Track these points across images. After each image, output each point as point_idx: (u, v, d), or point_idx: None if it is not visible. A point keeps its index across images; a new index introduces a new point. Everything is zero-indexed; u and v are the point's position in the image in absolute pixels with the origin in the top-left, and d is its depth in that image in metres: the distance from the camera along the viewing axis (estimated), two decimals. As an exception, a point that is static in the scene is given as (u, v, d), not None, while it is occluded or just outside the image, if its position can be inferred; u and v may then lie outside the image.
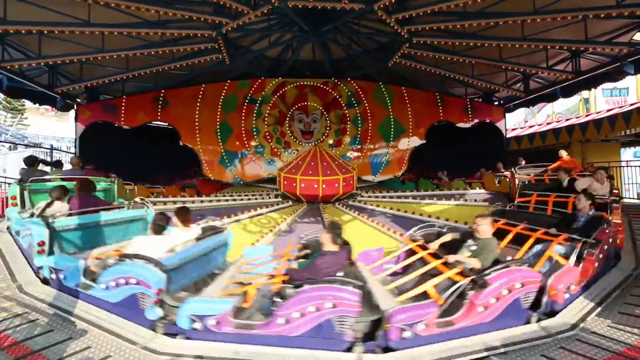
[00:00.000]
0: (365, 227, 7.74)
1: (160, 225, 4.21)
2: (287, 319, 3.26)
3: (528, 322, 3.66)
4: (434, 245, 4.47)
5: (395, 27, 8.82)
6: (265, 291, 3.84)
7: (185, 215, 4.69)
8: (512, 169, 9.98)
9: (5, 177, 11.87)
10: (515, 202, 6.76)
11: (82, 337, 3.45)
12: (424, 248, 4.57)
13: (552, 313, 3.76)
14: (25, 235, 4.89)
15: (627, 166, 11.44)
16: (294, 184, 9.37)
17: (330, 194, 9.45)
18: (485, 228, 4.11)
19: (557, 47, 9.92)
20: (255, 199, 10.10)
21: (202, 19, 8.26)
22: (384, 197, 10.47)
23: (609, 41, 9.04)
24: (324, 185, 9.28)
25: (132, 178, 9.80)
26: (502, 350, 3.31)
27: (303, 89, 13.31)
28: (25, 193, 6.02)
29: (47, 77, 10.40)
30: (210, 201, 9.37)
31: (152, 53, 9.75)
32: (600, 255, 3.91)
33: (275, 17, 9.52)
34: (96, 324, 3.60)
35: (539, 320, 3.69)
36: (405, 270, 4.54)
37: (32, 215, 4.84)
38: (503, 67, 11.44)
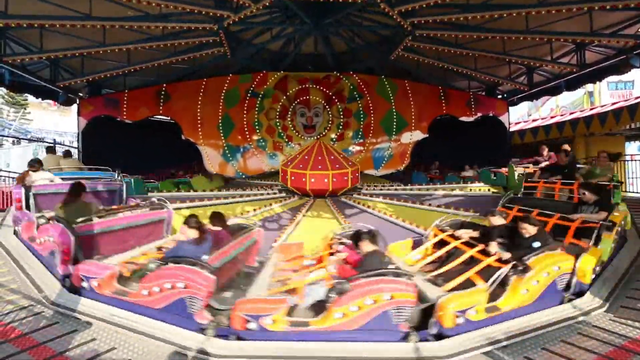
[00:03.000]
0: (376, 219, 7.70)
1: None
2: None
3: (562, 303, 3.86)
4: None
5: (398, 20, 8.73)
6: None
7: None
8: (511, 162, 10.00)
9: (9, 172, 11.93)
10: (522, 190, 6.89)
11: (87, 330, 3.49)
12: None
13: (580, 293, 3.95)
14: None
15: (632, 160, 11.35)
16: (304, 179, 9.30)
17: (319, 189, 9.41)
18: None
19: (561, 40, 9.83)
20: (261, 194, 10.02)
21: (203, 12, 8.20)
22: (388, 189, 10.44)
23: (615, 33, 8.92)
24: (313, 180, 9.23)
25: (134, 172, 9.81)
26: (549, 329, 3.52)
27: (305, 83, 13.25)
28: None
29: (49, 71, 10.41)
30: (218, 198, 9.26)
31: (154, 47, 9.72)
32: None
33: (277, 10, 9.45)
34: (141, 332, 3.46)
35: (569, 300, 3.88)
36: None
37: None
38: (507, 60, 11.33)
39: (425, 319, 3.44)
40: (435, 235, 5.04)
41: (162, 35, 9.47)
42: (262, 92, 13.09)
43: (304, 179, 9.27)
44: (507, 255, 3.90)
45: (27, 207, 5.46)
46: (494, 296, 3.58)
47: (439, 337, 3.34)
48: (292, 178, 9.47)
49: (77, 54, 9.54)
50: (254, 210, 8.22)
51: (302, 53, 12.03)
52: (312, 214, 8.32)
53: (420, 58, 11.38)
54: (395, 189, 10.52)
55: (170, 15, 8.51)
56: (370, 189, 10.41)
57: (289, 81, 13.18)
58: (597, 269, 4.15)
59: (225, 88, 12.89)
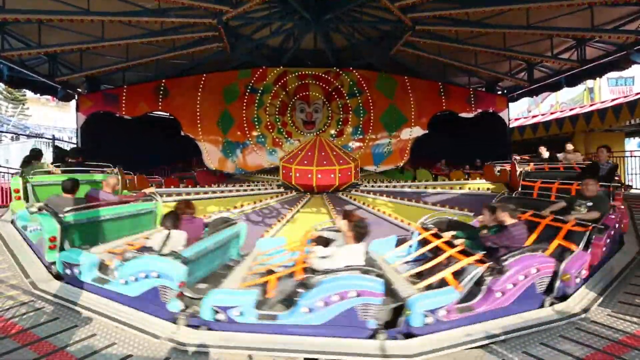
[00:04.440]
0: (371, 217, 7.70)
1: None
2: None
3: (542, 306, 3.77)
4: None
5: (398, 15, 8.70)
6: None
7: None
8: (514, 159, 9.92)
9: (8, 168, 11.92)
10: (519, 189, 6.74)
11: (87, 325, 3.51)
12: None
13: (563, 297, 3.87)
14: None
15: (631, 156, 11.36)
16: (309, 175, 9.32)
17: (325, 185, 9.40)
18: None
19: (562, 35, 9.81)
20: (259, 189, 10.08)
21: (202, 7, 8.16)
22: (386, 186, 10.47)
23: (616, 29, 8.88)
24: (319, 176, 9.23)
25: (133, 168, 9.81)
26: (522, 332, 3.43)
27: (305, 79, 13.21)
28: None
29: (47, 66, 10.37)
30: (214, 192, 9.33)
31: (153, 42, 9.69)
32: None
33: (276, 5, 9.40)
34: (116, 319, 3.55)
35: (551, 304, 3.79)
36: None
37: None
38: (507, 55, 11.31)
39: (397, 317, 3.41)
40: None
41: (161, 30, 9.42)
42: (261, 88, 13.05)
43: (309, 175, 9.26)
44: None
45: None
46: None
47: (408, 335, 3.32)
48: (297, 175, 9.44)
49: (75, 49, 9.52)
50: (247, 204, 8.26)
51: (302, 49, 11.99)
52: (307, 209, 8.34)
53: (420, 54, 11.35)
54: (394, 186, 10.55)
55: (169, 10, 8.46)
56: (369, 186, 10.43)
57: (289, 77, 13.14)
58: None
59: (224, 84, 12.84)
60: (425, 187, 9.96)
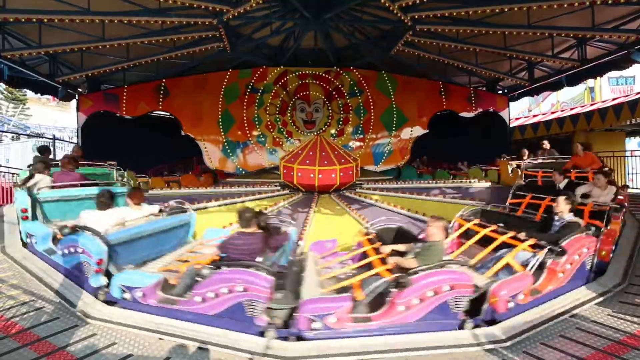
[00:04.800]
0: (348, 219, 7.50)
1: (104, 202, 4.47)
2: (203, 297, 3.41)
3: (461, 328, 3.40)
4: (386, 250, 4.12)
5: (399, 14, 8.69)
6: (372, 281, 3.67)
7: (136, 196, 4.91)
8: (522, 160, 9.70)
9: (9, 167, 11.92)
10: (507, 203, 6.16)
11: (87, 325, 3.51)
12: (372, 242, 4.39)
13: (492, 322, 3.46)
14: (69, 254, 4.15)
15: (632, 156, 11.33)
16: (312, 175, 9.32)
17: (327, 184, 9.41)
18: (433, 230, 3.86)
19: (563, 35, 9.79)
20: (267, 192, 9.97)
21: (202, 7, 8.15)
22: (382, 189, 10.42)
23: (617, 28, 8.87)
24: (320, 175, 9.23)
25: (134, 168, 9.83)
26: (422, 353, 3.18)
27: (305, 78, 13.21)
28: (37, 204, 5.28)
29: (47, 66, 10.38)
30: (225, 197, 9.18)
31: (153, 42, 9.68)
32: (567, 266, 3.55)
33: (277, 5, 9.39)
34: (47, 284, 4.00)
35: (475, 327, 3.40)
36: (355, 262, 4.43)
37: (72, 229, 4.15)
38: (507, 55, 11.29)
39: (473, 307, 3.46)
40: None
41: (161, 30, 9.41)
42: (261, 88, 13.05)
43: (312, 175, 9.24)
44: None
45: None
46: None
47: (491, 322, 3.41)
48: (299, 174, 9.41)
49: (76, 49, 9.51)
50: (265, 208, 8.11)
51: (302, 48, 11.98)
52: (320, 209, 8.27)
53: (421, 53, 11.33)
54: (396, 184, 10.57)
55: (170, 10, 8.46)
56: (370, 185, 10.44)
57: (289, 76, 13.14)
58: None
59: (224, 83, 12.85)
60: (427, 185, 9.99)
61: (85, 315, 3.53)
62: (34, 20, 8.08)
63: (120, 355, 3.11)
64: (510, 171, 10.11)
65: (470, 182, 10.34)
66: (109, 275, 3.89)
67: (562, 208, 4.47)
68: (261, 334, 3.29)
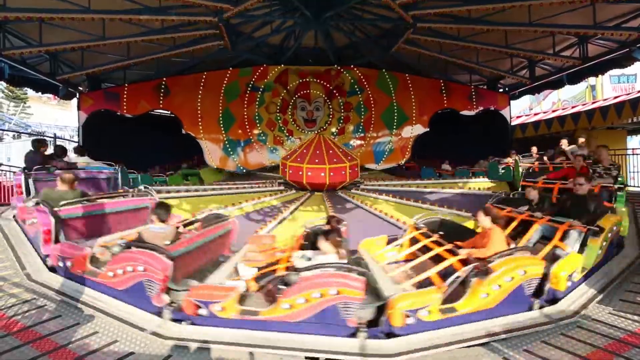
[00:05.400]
0: (368, 215, 7.75)
1: (164, 213, 4.24)
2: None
3: (530, 309, 3.66)
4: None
5: (399, 12, 8.66)
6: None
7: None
8: (517, 157, 9.86)
9: (10, 166, 11.94)
10: (519, 189, 6.60)
11: (89, 323, 3.52)
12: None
13: (554, 300, 3.75)
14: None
15: (633, 154, 11.31)
16: (300, 173, 9.36)
17: (336, 182, 9.46)
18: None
19: (564, 33, 9.75)
20: (259, 187, 10.09)
21: (203, 5, 8.14)
22: (387, 185, 10.46)
23: (618, 26, 8.83)
24: (331, 174, 9.28)
25: (135, 167, 9.83)
26: (503, 336, 3.34)
27: (305, 77, 13.19)
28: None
29: (48, 65, 10.37)
30: (214, 189, 9.39)
31: (154, 40, 9.67)
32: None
33: (277, 3, 9.37)
34: (103, 310, 3.65)
35: (541, 307, 3.68)
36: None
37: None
38: (508, 53, 11.25)
39: (379, 317, 3.39)
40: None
41: (161, 28, 9.41)
42: (262, 86, 13.03)
43: (300, 173, 9.32)
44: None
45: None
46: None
47: (390, 335, 3.31)
48: (290, 171, 9.52)
49: (76, 48, 9.50)
50: (246, 201, 8.28)
51: (303, 47, 11.96)
52: (305, 208, 8.36)
53: (422, 51, 11.30)
54: (395, 185, 10.54)
55: (170, 8, 8.45)
56: (369, 185, 10.43)
57: (290, 75, 13.11)
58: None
59: (225, 82, 12.83)
60: (425, 187, 9.92)
61: (158, 336, 3.33)
62: (34, 19, 8.07)
63: (121, 353, 3.12)
64: (501, 169, 10.01)
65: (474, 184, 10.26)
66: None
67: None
68: (352, 335, 3.29)
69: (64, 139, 18.15)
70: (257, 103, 13.08)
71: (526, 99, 24.34)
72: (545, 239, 4.48)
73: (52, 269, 4.33)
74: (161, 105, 12.55)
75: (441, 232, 4.74)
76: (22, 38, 9.06)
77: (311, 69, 13.11)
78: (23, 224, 5.25)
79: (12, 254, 4.69)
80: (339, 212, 7.84)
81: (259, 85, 13.01)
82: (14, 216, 5.68)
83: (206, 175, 12.29)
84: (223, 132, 12.93)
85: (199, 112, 12.66)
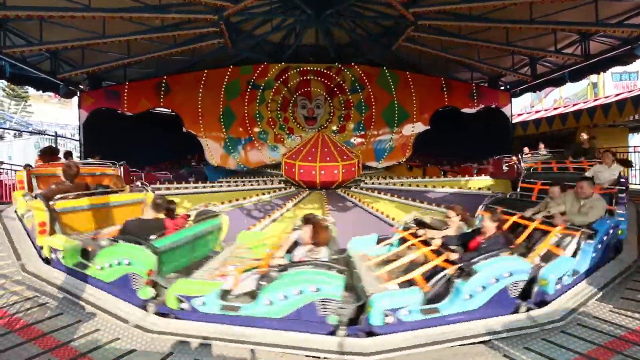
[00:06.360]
0: (365, 214, 7.73)
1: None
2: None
3: (516, 312, 3.58)
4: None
5: (400, 10, 8.64)
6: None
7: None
8: (518, 155, 9.78)
9: (11, 165, 11.97)
10: (518, 190, 6.48)
11: (90, 321, 3.54)
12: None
13: (542, 303, 3.67)
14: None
15: (635, 152, 11.28)
16: (313, 172, 9.39)
17: (328, 181, 9.44)
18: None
19: (566, 30, 9.70)
20: (258, 184, 10.11)
21: (203, 3, 8.13)
22: (387, 184, 10.47)
23: (620, 23, 8.80)
24: (322, 172, 9.27)
25: (136, 165, 9.86)
26: (487, 338, 3.30)
27: (306, 75, 13.17)
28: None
29: (49, 63, 10.37)
30: (212, 186, 9.40)
31: (154, 38, 9.65)
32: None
33: (278, 1, 9.36)
34: (89, 302, 3.72)
35: (528, 309, 3.59)
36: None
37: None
38: (510, 50, 11.23)
39: (360, 315, 3.38)
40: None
41: (162, 26, 9.40)
42: (263, 84, 13.02)
43: (313, 172, 9.31)
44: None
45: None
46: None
47: (370, 334, 3.30)
48: (301, 171, 9.48)
49: (77, 46, 9.50)
50: (244, 199, 8.30)
51: (303, 44, 11.94)
52: (303, 205, 8.37)
53: (423, 49, 11.27)
54: (395, 183, 10.55)
55: (170, 6, 8.44)
56: (369, 183, 10.44)
57: (290, 73, 13.10)
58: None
59: (226, 80, 12.82)
60: (425, 185, 9.91)
61: (142, 329, 3.38)
62: (34, 17, 8.07)
63: (123, 350, 3.13)
64: (505, 167, 9.97)
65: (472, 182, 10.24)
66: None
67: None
68: (332, 333, 3.30)
69: (65, 138, 18.16)
70: (257, 101, 13.08)
71: (527, 97, 24.30)
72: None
73: (47, 261, 4.41)
74: (162, 104, 12.56)
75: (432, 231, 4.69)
76: (23, 36, 9.07)
77: (312, 67, 13.09)
78: (22, 217, 5.32)
79: (10, 246, 4.83)
80: (337, 210, 7.86)
81: (259, 83, 13.00)
82: (15, 211, 5.73)
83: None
84: (224, 130, 12.94)
85: (199, 110, 12.67)
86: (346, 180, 9.68)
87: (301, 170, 9.42)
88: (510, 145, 12.57)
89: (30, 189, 5.74)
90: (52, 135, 15.77)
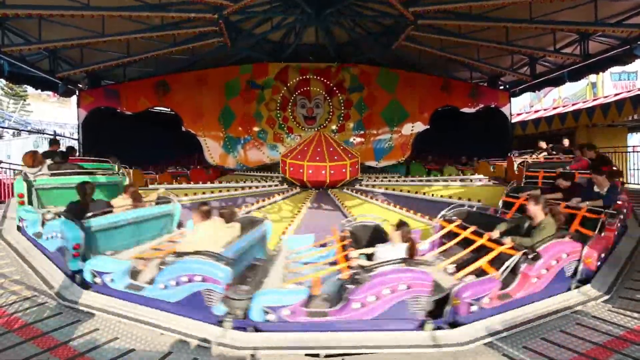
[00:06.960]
0: (380, 210, 7.66)
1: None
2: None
3: (569, 290, 3.94)
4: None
5: (400, 9, 8.63)
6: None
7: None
8: (511, 155, 9.94)
9: (10, 164, 11.93)
10: (500, 202, 6.23)
11: (89, 320, 3.53)
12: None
13: (586, 280, 4.03)
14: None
15: (634, 152, 11.30)
16: (301, 170, 9.35)
17: (337, 180, 9.46)
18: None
19: (565, 30, 9.70)
20: (263, 187, 10.00)
21: (202, 2, 8.11)
22: (389, 181, 10.48)
23: (619, 23, 8.80)
24: (332, 171, 9.28)
25: (135, 164, 9.82)
26: (374, 351, 3.24)
27: (306, 74, 13.16)
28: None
29: (48, 62, 10.35)
30: (220, 190, 9.23)
31: (153, 37, 9.63)
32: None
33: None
34: (156, 325, 3.44)
35: (577, 287, 3.96)
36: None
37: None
38: (509, 50, 11.23)
39: (437, 307, 3.46)
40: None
41: (161, 25, 9.38)
42: (262, 83, 13.01)
43: (301, 170, 9.32)
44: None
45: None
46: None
47: (453, 325, 3.40)
48: (291, 169, 9.51)
49: (75, 45, 9.47)
50: (257, 202, 8.20)
51: (303, 43, 11.93)
52: (314, 205, 8.33)
53: (422, 48, 11.28)
54: (397, 180, 10.55)
55: (170, 5, 8.42)
56: (370, 182, 10.42)
57: (290, 72, 13.09)
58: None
59: (225, 79, 12.81)
60: (427, 182, 9.92)
61: (60, 297, 3.71)
62: (33, 15, 8.04)
63: (122, 350, 3.13)
64: (515, 168, 9.99)
65: (471, 180, 10.25)
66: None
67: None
68: (419, 327, 3.36)
69: (64, 137, 18.12)
70: (257, 100, 13.07)
71: (527, 96, 24.29)
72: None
73: (83, 286, 3.97)
74: (161, 103, 12.54)
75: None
76: (22, 35, 9.03)
77: (312, 66, 13.08)
78: (36, 238, 4.74)
79: (32, 273, 4.30)
80: (350, 208, 7.81)
81: (259, 82, 12.99)
82: (18, 228, 5.19)
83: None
84: (223, 129, 12.93)
85: (199, 109, 12.65)
86: (340, 180, 9.67)
87: (310, 171, 9.35)
88: (510, 145, 12.59)
89: (31, 202, 5.40)
90: (50, 135, 15.72)
